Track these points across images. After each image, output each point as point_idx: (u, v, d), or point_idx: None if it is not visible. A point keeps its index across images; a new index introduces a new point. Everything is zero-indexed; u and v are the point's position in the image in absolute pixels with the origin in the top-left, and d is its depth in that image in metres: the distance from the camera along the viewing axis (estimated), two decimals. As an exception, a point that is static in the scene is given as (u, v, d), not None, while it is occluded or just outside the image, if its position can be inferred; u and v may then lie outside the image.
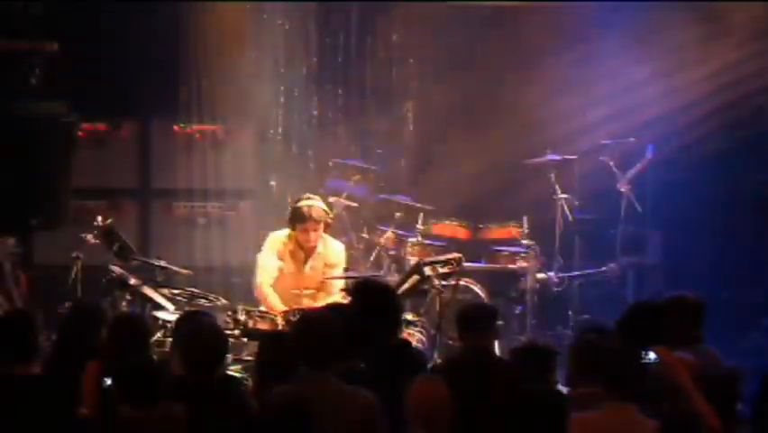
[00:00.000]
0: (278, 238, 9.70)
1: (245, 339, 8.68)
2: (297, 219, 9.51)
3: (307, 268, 9.63)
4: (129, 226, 11.52)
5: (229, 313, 8.67)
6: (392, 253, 11.12)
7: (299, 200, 9.61)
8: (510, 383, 6.32)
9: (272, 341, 6.52)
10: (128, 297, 8.89)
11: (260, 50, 12.11)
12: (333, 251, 9.70)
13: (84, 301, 8.19)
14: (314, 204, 9.52)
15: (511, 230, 11.37)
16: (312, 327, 6.09)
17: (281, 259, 9.63)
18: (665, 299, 7.37)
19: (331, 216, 9.72)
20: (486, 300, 10.88)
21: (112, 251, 9.37)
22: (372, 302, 6.90)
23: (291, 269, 9.63)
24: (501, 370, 6.61)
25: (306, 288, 9.59)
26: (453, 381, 5.95)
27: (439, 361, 8.82)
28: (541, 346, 6.76)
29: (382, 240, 11.13)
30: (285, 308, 9.18)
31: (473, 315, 7.08)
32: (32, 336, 6.33)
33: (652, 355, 6.52)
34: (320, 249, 9.64)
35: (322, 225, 9.54)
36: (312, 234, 9.52)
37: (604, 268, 11.38)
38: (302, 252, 9.64)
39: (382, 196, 11.70)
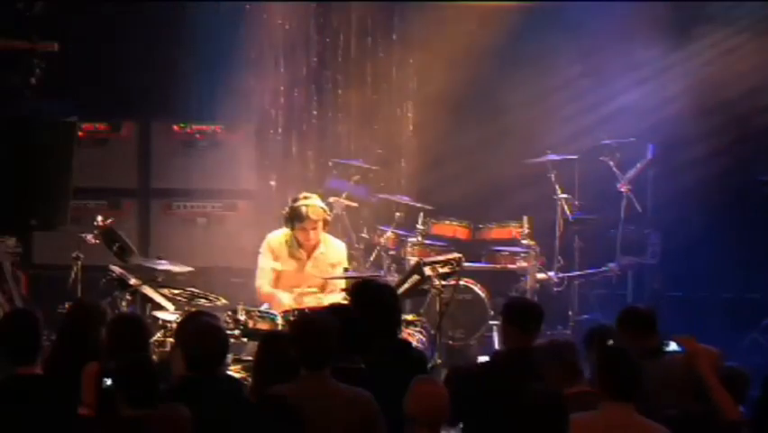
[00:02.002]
0: (274, 239, 9.72)
1: (245, 339, 8.68)
2: (296, 219, 9.54)
3: (309, 267, 9.65)
4: (129, 226, 11.52)
5: (229, 313, 8.67)
6: (392, 253, 11.12)
7: (297, 200, 9.63)
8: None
9: (271, 341, 6.51)
10: (128, 297, 8.89)
11: (260, 50, 12.11)
12: (334, 250, 9.73)
13: (84, 301, 8.18)
14: (311, 203, 9.54)
15: (511, 230, 11.36)
16: (309, 327, 6.10)
17: (278, 260, 9.65)
18: None
19: (329, 213, 9.74)
20: (486, 300, 10.90)
21: (112, 251, 9.37)
22: (372, 302, 6.90)
23: (292, 268, 9.65)
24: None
25: (308, 287, 9.61)
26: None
27: (439, 361, 8.87)
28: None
29: (382, 240, 11.13)
30: (290, 302, 9.24)
31: (525, 314, 6.89)
32: (36, 336, 6.32)
33: (673, 345, 6.48)
34: (321, 249, 9.66)
35: (321, 224, 9.56)
36: (311, 234, 9.54)
37: (604, 268, 11.38)
38: (303, 251, 9.65)
39: (382, 196, 11.70)
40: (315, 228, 9.55)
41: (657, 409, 5.92)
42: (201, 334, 6.27)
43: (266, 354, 6.35)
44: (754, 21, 11.95)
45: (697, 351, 6.31)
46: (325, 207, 9.69)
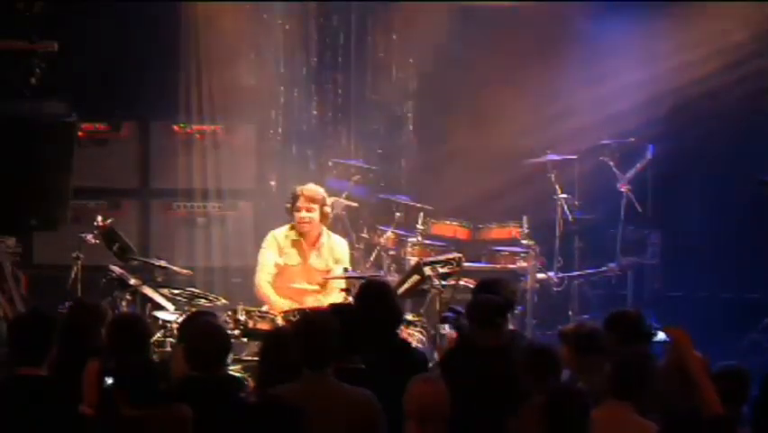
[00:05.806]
0: (277, 234, 9.77)
1: (245, 339, 8.69)
2: (292, 201, 9.59)
3: (313, 258, 9.66)
4: (129, 226, 11.51)
5: (229, 313, 8.67)
6: (392, 253, 11.12)
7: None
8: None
9: (274, 341, 6.52)
10: (128, 297, 8.89)
11: (260, 50, 12.11)
12: (337, 244, 9.77)
13: (84, 301, 8.18)
14: (306, 185, 9.60)
15: (511, 230, 11.37)
16: (311, 327, 6.11)
17: (282, 255, 9.67)
18: None
19: (328, 199, 9.76)
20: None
21: (112, 251, 9.38)
22: (372, 302, 6.91)
23: (296, 262, 9.66)
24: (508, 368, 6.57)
25: (310, 282, 9.62)
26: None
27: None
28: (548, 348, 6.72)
29: (382, 240, 11.13)
30: (285, 306, 9.23)
31: (488, 311, 6.98)
32: (43, 339, 6.31)
33: (661, 335, 6.45)
34: (324, 240, 9.68)
35: (317, 207, 9.57)
36: (305, 214, 9.55)
37: (604, 268, 11.38)
38: (304, 242, 9.67)
39: (382, 196, 11.71)
40: (309, 209, 9.57)
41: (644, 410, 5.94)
42: (204, 332, 6.28)
43: (268, 354, 6.35)
44: (754, 22, 11.95)
45: (684, 340, 6.24)
46: (321, 190, 9.69)
